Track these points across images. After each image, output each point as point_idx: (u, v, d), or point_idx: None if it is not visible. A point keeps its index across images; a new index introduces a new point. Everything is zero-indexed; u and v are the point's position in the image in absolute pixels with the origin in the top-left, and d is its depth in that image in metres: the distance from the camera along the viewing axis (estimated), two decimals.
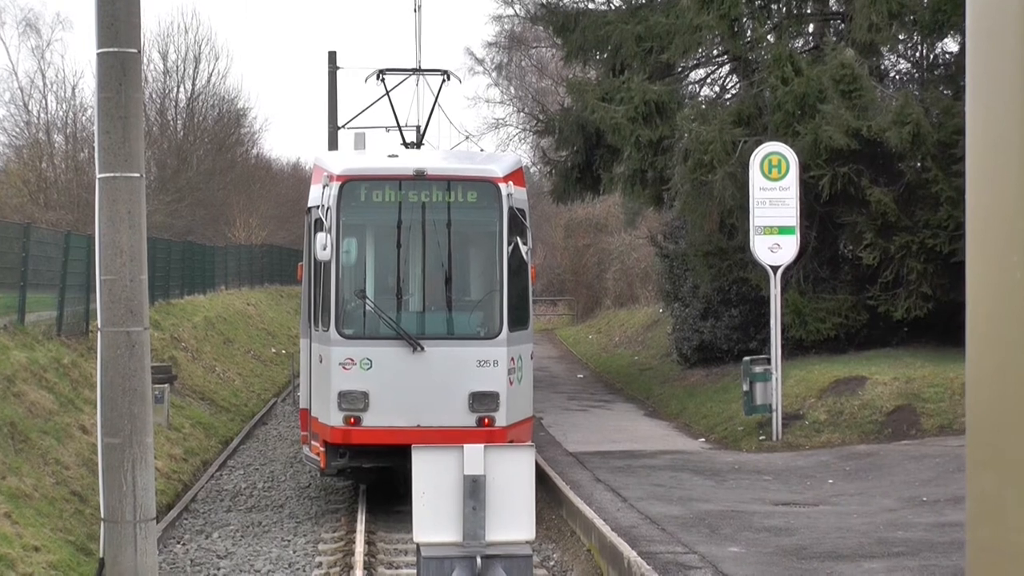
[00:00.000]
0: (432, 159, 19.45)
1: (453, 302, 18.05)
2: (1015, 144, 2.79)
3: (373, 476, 18.80)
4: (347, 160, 18.73)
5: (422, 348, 17.32)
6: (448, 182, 17.81)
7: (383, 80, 22.42)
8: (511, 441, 16.96)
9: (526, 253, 17.94)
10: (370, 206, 17.94)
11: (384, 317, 17.61)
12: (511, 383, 17.49)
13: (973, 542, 2.99)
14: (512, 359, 17.56)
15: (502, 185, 17.63)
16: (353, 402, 17.31)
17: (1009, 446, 2.83)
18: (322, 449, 17.76)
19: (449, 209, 17.79)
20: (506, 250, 17.59)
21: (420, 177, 17.74)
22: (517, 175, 18.33)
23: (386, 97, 22.75)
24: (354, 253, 18.22)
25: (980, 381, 2.96)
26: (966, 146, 3.05)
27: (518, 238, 17.78)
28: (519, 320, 18.09)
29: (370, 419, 17.30)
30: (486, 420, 17.24)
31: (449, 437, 16.12)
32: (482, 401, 17.28)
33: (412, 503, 10.55)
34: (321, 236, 17.05)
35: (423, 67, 28.59)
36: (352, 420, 17.31)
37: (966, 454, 3.09)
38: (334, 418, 17.38)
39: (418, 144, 22.37)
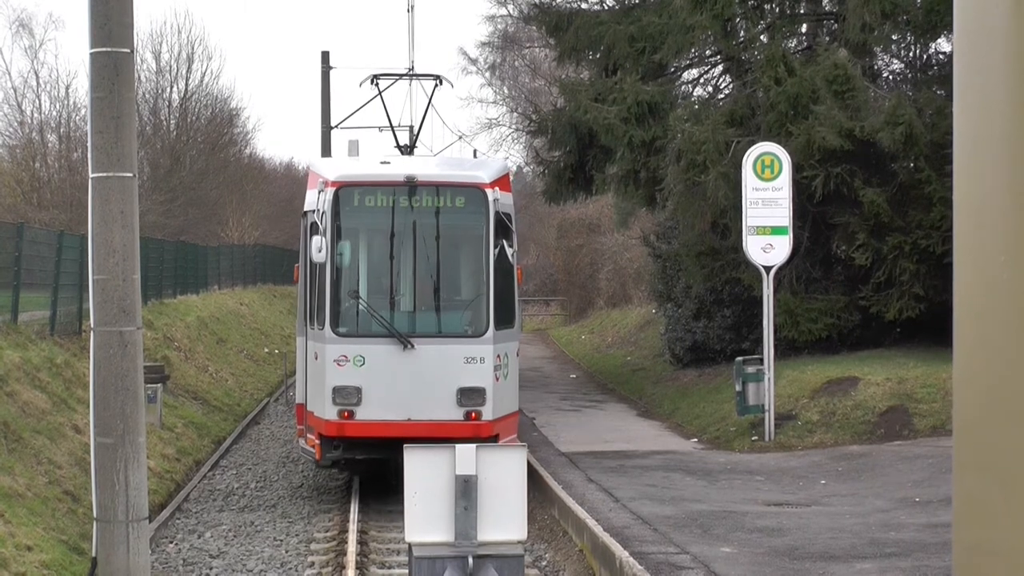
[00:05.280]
0: (422, 166, 20.20)
1: (442, 302, 19.07)
2: (1002, 145, 2.80)
3: (365, 468, 19.55)
4: (341, 167, 19.70)
5: (412, 346, 18.18)
6: (437, 188, 18.73)
7: (377, 84, 23.19)
8: (497, 434, 18.19)
9: (512, 255, 18.78)
10: (363, 211, 18.87)
11: (376, 316, 18.52)
12: (497, 379, 18.34)
13: (959, 542, 3.00)
14: (498, 356, 18.40)
15: (489, 191, 18.45)
16: (347, 397, 18.17)
17: (995, 447, 2.84)
18: (317, 442, 18.60)
19: (438, 213, 18.72)
20: (492, 252, 18.42)
21: (411, 183, 18.61)
22: (503, 181, 19.16)
23: (380, 100, 23.40)
24: (348, 255, 19.12)
25: (967, 382, 2.97)
26: (954, 147, 3.06)
27: (504, 241, 18.61)
28: (505, 319, 18.89)
29: (363, 413, 18.17)
30: (473, 414, 18.09)
31: (438, 430, 17.60)
32: (469, 396, 18.12)
33: (404, 503, 10.56)
34: (316, 239, 17.86)
35: (416, 67, 29.00)
36: (346, 414, 18.18)
37: (953, 455, 3.10)
38: (329, 412, 18.24)
39: (411, 147, 23.04)
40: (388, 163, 19.73)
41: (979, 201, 2.88)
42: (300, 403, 20.26)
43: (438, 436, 17.26)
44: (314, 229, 18.36)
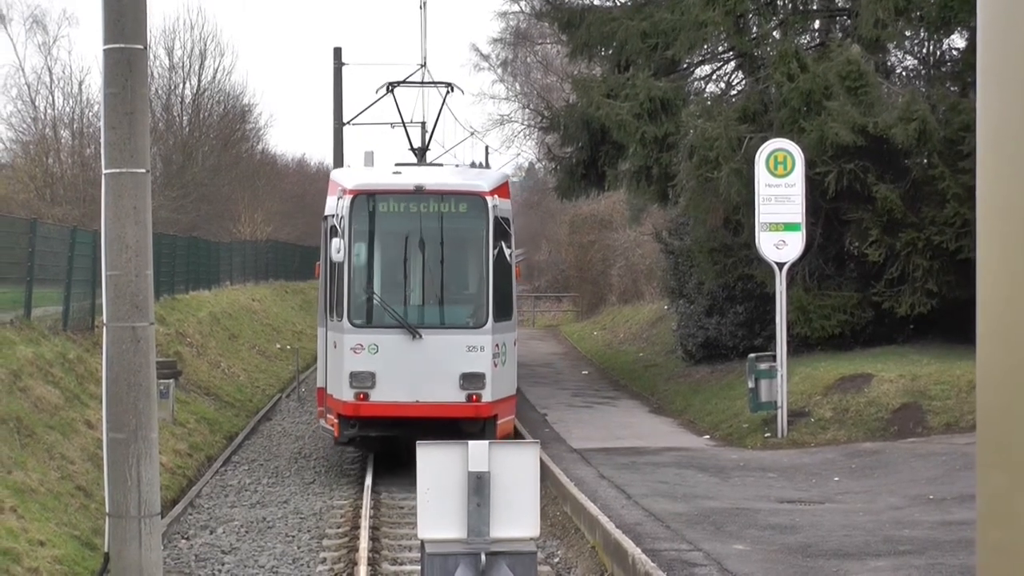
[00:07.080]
0: (430, 175, 22.06)
1: (447, 297, 21.48)
2: None
3: (379, 445, 21.59)
4: (357, 176, 21.94)
5: (420, 336, 20.41)
6: (442, 195, 21.01)
7: (391, 91, 25.52)
8: (496, 414, 20.56)
9: (510, 256, 21.04)
10: (377, 216, 21.06)
11: (388, 309, 20.69)
12: (496, 365, 20.54)
13: (984, 543, 2.97)
14: (497, 345, 20.60)
15: (489, 198, 20.72)
16: (362, 381, 20.35)
17: (1020, 446, 2.80)
18: (336, 421, 20.83)
19: (443, 218, 21.00)
20: (492, 253, 20.66)
21: (419, 191, 20.90)
22: (503, 188, 21.56)
23: (394, 105, 25.81)
24: (363, 256, 21.27)
25: (990, 381, 2.94)
26: (977, 143, 3.03)
27: (503, 243, 20.84)
28: (503, 312, 21.05)
29: (377, 395, 20.37)
30: (474, 397, 20.34)
31: (443, 411, 20.20)
32: (471, 380, 20.31)
33: (416, 499, 10.54)
34: (335, 241, 20.25)
35: (429, 63, 30.12)
36: (361, 396, 20.37)
37: (976, 454, 3.07)
38: (346, 394, 20.44)
39: (423, 152, 25.15)
40: (399, 172, 21.88)
41: (1003, 197, 2.85)
42: (321, 387, 22.41)
43: (443, 416, 20.06)
44: (333, 232, 20.73)
